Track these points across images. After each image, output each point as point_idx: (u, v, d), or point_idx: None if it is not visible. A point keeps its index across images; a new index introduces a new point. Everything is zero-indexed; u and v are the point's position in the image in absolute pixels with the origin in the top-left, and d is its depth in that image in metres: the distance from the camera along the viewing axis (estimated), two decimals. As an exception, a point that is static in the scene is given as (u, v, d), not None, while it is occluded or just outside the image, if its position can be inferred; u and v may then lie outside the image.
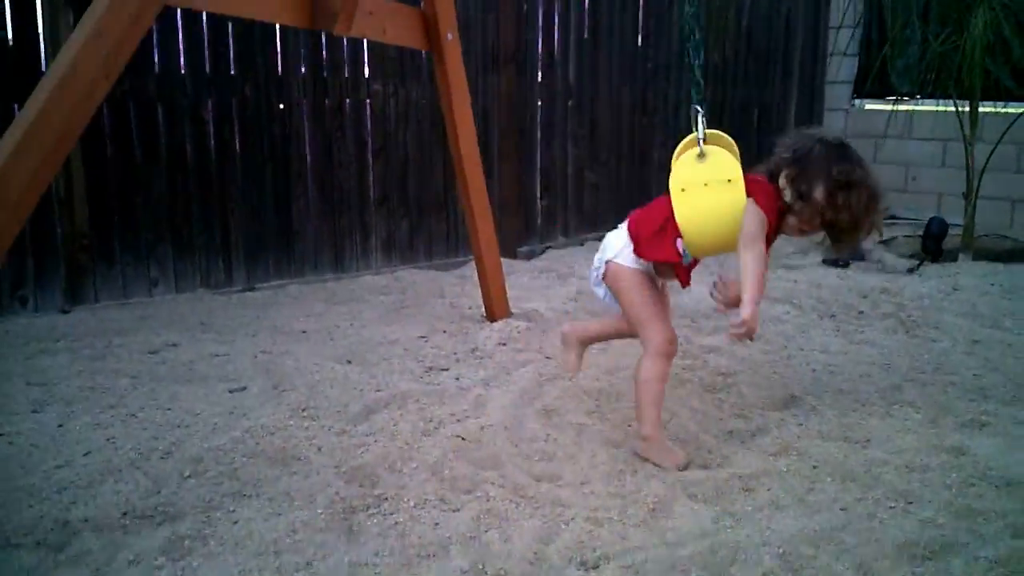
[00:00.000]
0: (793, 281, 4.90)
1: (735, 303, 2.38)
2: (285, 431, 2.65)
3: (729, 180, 2.40)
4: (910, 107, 6.94)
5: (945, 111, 6.30)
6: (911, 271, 5.13)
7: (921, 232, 5.51)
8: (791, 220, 2.45)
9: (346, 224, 5.00)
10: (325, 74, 4.81)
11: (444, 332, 3.86)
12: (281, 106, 4.72)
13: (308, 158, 4.84)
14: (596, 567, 1.93)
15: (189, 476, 2.32)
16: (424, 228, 5.33)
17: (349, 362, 3.40)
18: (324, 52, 4.78)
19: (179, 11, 4.20)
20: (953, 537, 2.07)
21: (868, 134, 7.38)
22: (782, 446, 2.60)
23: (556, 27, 5.70)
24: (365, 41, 4.84)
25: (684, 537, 2.06)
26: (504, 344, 3.69)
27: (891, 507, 2.23)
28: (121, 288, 4.35)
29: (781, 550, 2.00)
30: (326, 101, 4.82)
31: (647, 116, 6.36)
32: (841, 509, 2.21)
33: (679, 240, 2.45)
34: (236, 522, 2.08)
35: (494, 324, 3.94)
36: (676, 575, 1.91)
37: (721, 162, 2.42)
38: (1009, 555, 1.96)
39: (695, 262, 2.57)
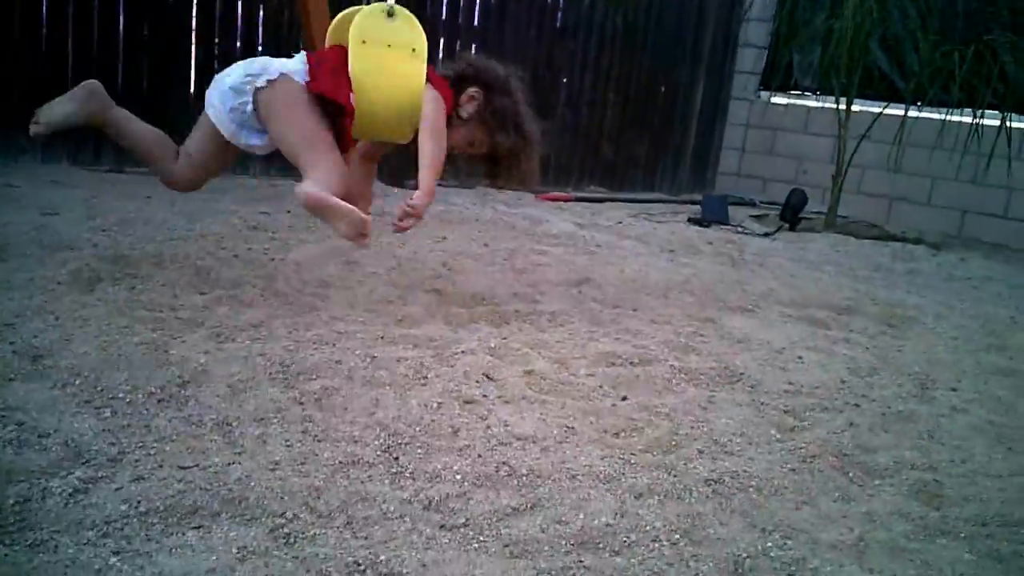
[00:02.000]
0: (652, 228, 5.07)
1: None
2: (71, 235, 2.72)
3: (414, 50, 2.29)
4: (806, 102, 7.22)
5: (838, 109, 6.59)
6: (767, 235, 5.34)
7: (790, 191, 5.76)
8: (460, 132, 2.39)
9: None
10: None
11: (288, 212, 3.95)
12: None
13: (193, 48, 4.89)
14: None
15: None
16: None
17: (177, 216, 3.47)
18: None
19: None
20: (649, 355, 2.21)
21: (768, 126, 7.64)
22: (548, 304, 2.72)
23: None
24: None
25: (414, 334, 2.17)
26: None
27: (616, 338, 2.37)
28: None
29: (498, 344, 2.12)
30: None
31: (552, 72, 6.51)
32: (568, 334, 2.35)
33: (352, 95, 2.24)
34: None
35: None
36: (379, 346, 2.02)
37: (411, 28, 2.31)
38: (690, 370, 2.12)
39: (353, 142, 2.43)
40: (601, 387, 1.94)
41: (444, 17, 5.78)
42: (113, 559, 1.06)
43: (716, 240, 4.82)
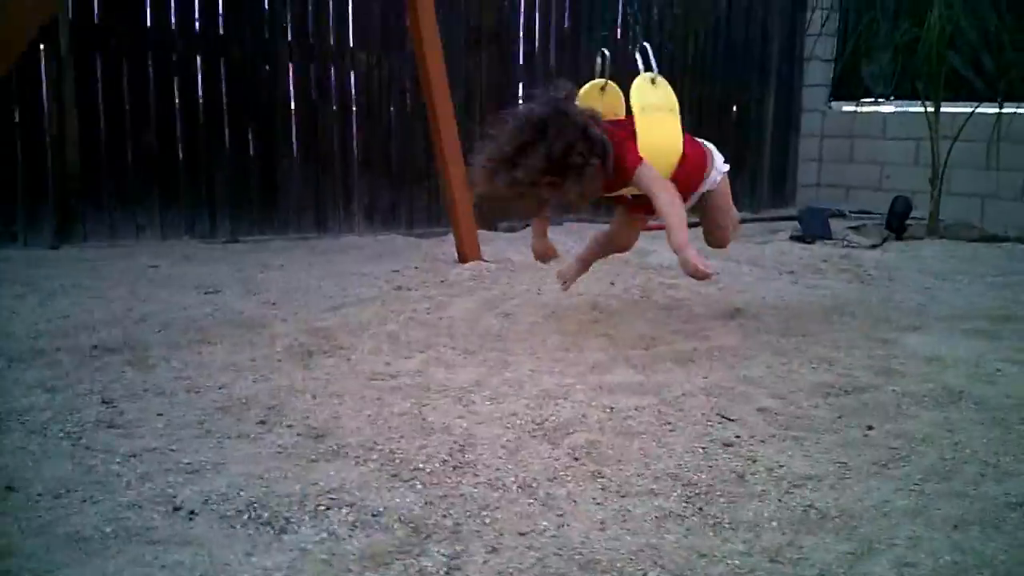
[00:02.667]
0: (760, 250, 5.05)
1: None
2: (252, 312, 2.79)
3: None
4: (883, 108, 7.18)
5: (917, 112, 6.54)
6: (874, 247, 5.29)
7: (894, 198, 5.71)
8: None
9: (329, 187, 5.18)
10: (311, 40, 5.01)
11: (416, 268, 4.01)
12: (267, 67, 4.91)
13: (293, 121, 5.02)
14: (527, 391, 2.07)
15: (159, 331, 2.46)
16: (405, 197, 5.50)
17: (322, 281, 3.55)
18: (309, 20, 4.99)
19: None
20: (865, 382, 2.21)
21: (843, 134, 7.61)
22: (719, 338, 2.73)
23: (537, 13, 5.93)
24: (350, 10, 5.07)
25: (619, 381, 2.19)
26: (474, 279, 3.83)
27: (813, 367, 2.37)
28: (108, 231, 4.50)
29: (702, 385, 2.13)
30: (311, 67, 5.02)
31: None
32: (767, 367, 2.35)
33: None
34: (200, 353, 2.22)
35: (465, 264, 4.10)
36: (603, 395, 2.04)
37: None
38: (913, 394, 2.11)
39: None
40: (840, 418, 1.94)
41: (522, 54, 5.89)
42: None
43: (828, 257, 4.79)
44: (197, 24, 4.63)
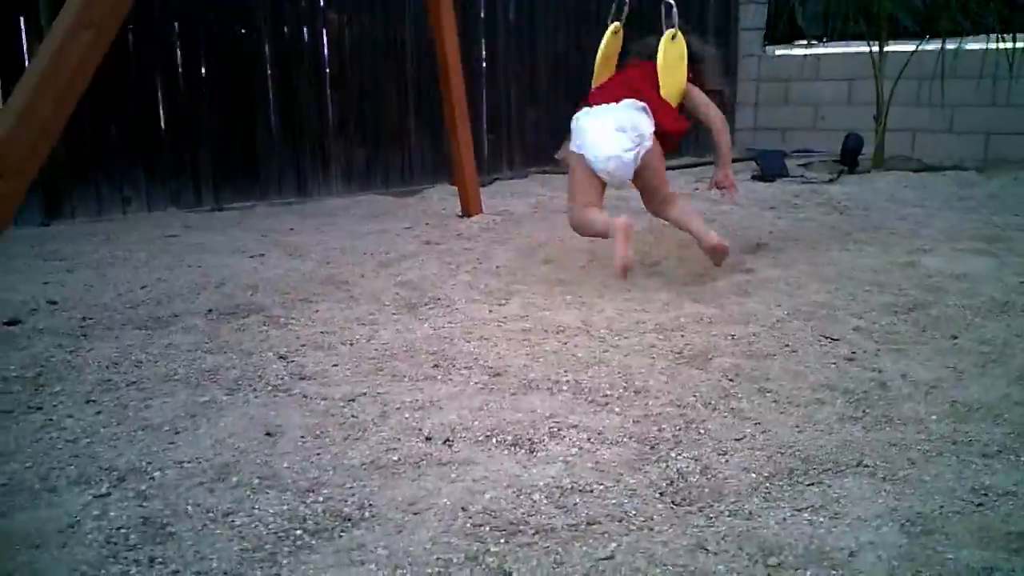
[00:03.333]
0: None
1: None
2: (320, 271, 2.86)
3: (683, 58, 2.95)
4: (817, 50, 7.51)
5: (851, 53, 6.89)
6: (831, 180, 5.63)
7: (836, 156, 6.05)
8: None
9: (307, 151, 5.17)
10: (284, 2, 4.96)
11: (427, 224, 4.10)
12: (243, 31, 4.85)
13: (270, 84, 4.98)
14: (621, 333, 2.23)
15: (252, 293, 2.51)
16: (380, 157, 5.53)
17: (351, 241, 3.61)
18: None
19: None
20: (921, 299, 2.46)
21: (779, 78, 7.93)
22: (762, 270, 2.94)
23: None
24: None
25: (702, 312, 2.38)
26: (486, 231, 3.95)
27: (867, 290, 2.61)
28: (96, 206, 4.42)
29: (785, 312, 2.34)
30: (285, 28, 4.97)
31: (580, 55, 6.70)
32: (827, 292, 2.58)
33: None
34: (316, 311, 2.30)
35: (471, 218, 4.20)
36: (710, 326, 2.22)
37: (683, 43, 2.97)
38: (969, 306, 2.37)
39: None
40: (924, 331, 2.18)
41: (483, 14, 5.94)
42: None
43: (798, 193, 5.09)
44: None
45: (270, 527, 1.18)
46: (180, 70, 4.60)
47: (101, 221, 4.30)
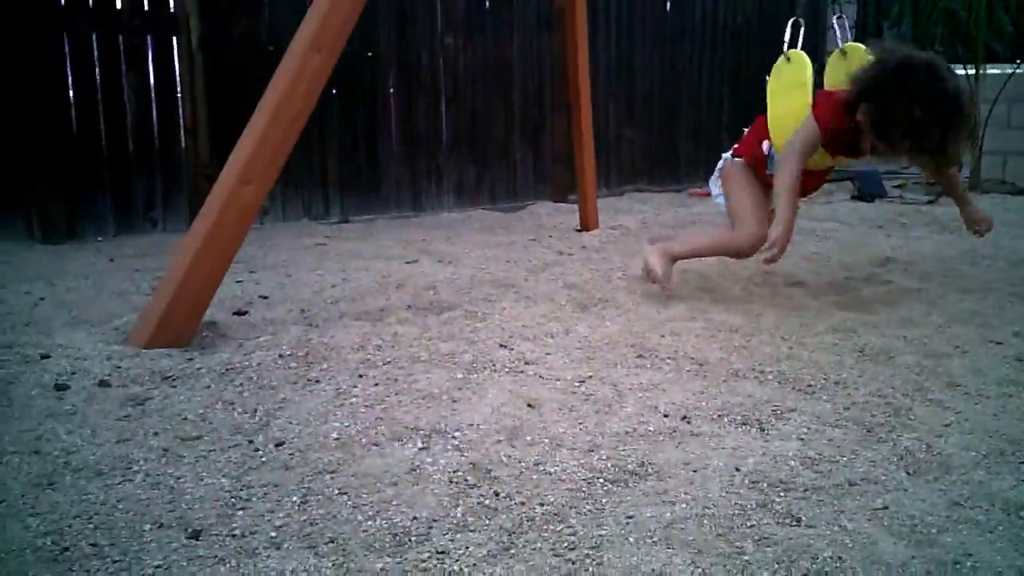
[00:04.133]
0: (831, 210, 5.44)
1: None
2: (482, 275, 3.08)
3: (802, 84, 2.61)
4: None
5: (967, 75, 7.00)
6: (931, 202, 5.72)
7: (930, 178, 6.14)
8: (873, 143, 2.46)
9: (423, 167, 5.44)
10: (406, 27, 5.24)
11: (551, 237, 4.31)
12: (369, 54, 5.13)
13: (391, 104, 5.26)
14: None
15: (435, 293, 2.74)
16: (489, 174, 5.78)
17: (487, 250, 3.83)
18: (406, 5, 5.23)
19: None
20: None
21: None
22: (900, 281, 3.09)
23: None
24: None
25: (847, 319, 2.54)
26: (608, 243, 4.15)
27: (1010, 300, 2.74)
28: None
29: (942, 318, 2.50)
30: (406, 52, 5.25)
31: (676, 76, 6.90)
32: (973, 302, 2.72)
33: (766, 142, 2.67)
34: (503, 308, 2.51)
35: (591, 232, 4.41)
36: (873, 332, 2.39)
37: (799, 65, 2.66)
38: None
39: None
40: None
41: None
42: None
43: (902, 212, 5.20)
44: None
45: (577, 476, 1.38)
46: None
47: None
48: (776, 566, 1.12)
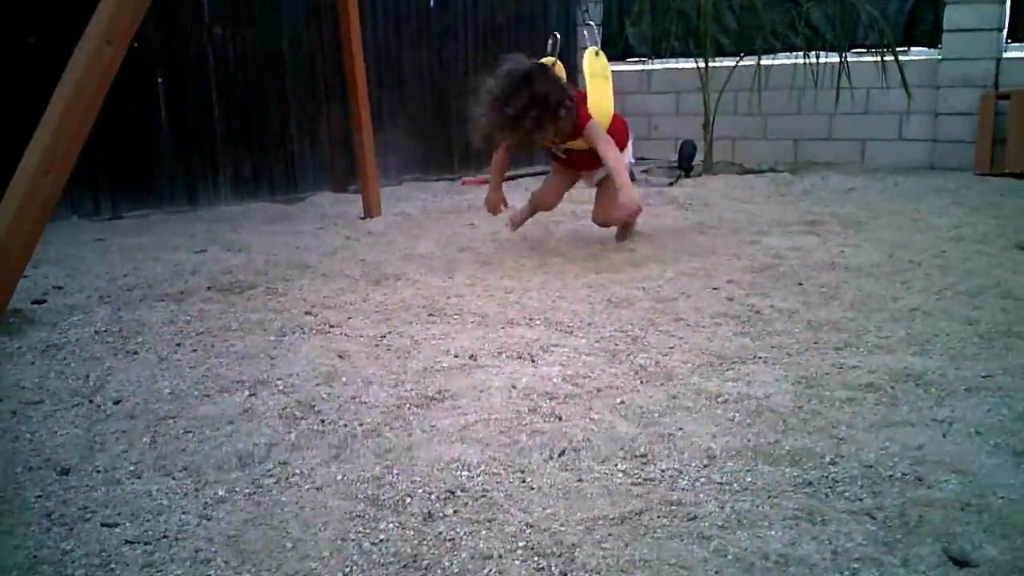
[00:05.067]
0: (587, 195, 6.02)
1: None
2: (275, 259, 3.28)
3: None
4: (647, 66, 8.43)
5: (679, 68, 7.82)
6: (672, 184, 6.47)
7: (674, 163, 6.93)
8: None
9: (197, 160, 5.47)
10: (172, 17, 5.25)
11: (336, 224, 4.55)
12: (136, 44, 5.09)
13: (161, 95, 5.25)
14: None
15: (231, 276, 2.94)
16: (266, 166, 5.89)
17: (272, 237, 4.01)
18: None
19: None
20: (769, 263, 3.19)
21: (615, 91, 8.79)
22: (642, 250, 3.61)
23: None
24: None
25: (599, 279, 3.00)
26: (393, 228, 4.45)
27: (728, 259, 3.32)
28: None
29: (673, 273, 3.01)
30: (172, 42, 5.26)
31: (442, 70, 7.29)
32: (699, 262, 3.27)
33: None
34: (301, 286, 2.76)
35: (375, 219, 4.68)
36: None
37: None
38: (806, 264, 3.12)
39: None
40: (778, 281, 2.90)
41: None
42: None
43: (645, 195, 5.84)
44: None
45: (388, 403, 1.68)
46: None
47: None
48: (543, 449, 1.48)
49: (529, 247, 3.55)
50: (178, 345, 2.03)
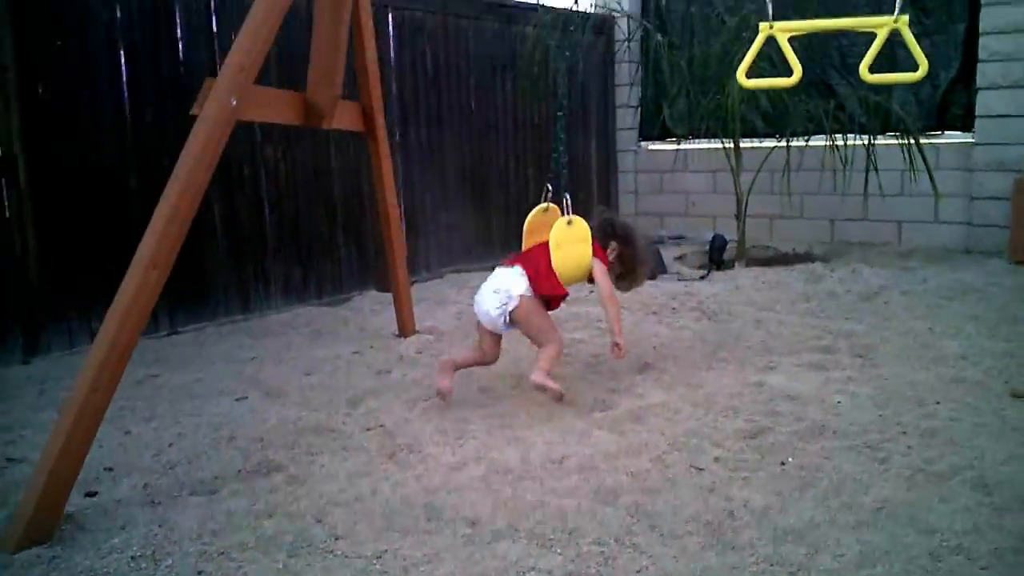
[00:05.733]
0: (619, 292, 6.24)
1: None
2: (306, 418, 3.59)
3: (584, 240, 3.70)
4: (684, 146, 8.63)
5: (714, 148, 8.01)
6: (702, 278, 6.65)
7: (707, 247, 7.10)
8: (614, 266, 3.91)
9: (250, 271, 5.86)
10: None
11: (372, 347, 4.85)
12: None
13: (216, 214, 5.65)
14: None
15: (263, 447, 3.24)
16: (313, 271, 6.27)
17: (309, 374, 4.33)
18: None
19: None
20: (763, 425, 3.38)
21: (653, 169, 9.03)
22: (650, 394, 3.83)
23: (407, 103, 6.83)
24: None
25: (597, 448, 3.23)
26: (421, 352, 4.74)
27: (724, 416, 3.52)
28: (68, 339, 5.00)
29: (668, 442, 3.22)
30: (227, 163, 5.67)
31: (484, 167, 7.61)
32: (696, 420, 3.48)
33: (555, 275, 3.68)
34: (322, 465, 3.04)
35: (408, 339, 4.98)
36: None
37: (581, 227, 3.71)
38: (796, 431, 3.31)
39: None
40: (762, 459, 3.08)
41: (398, 131, 6.77)
42: None
43: (675, 294, 6.06)
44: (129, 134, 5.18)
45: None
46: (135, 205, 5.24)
47: (75, 354, 4.87)
48: None
49: (538, 397, 3.81)
50: (201, 572, 2.34)
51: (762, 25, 3.54)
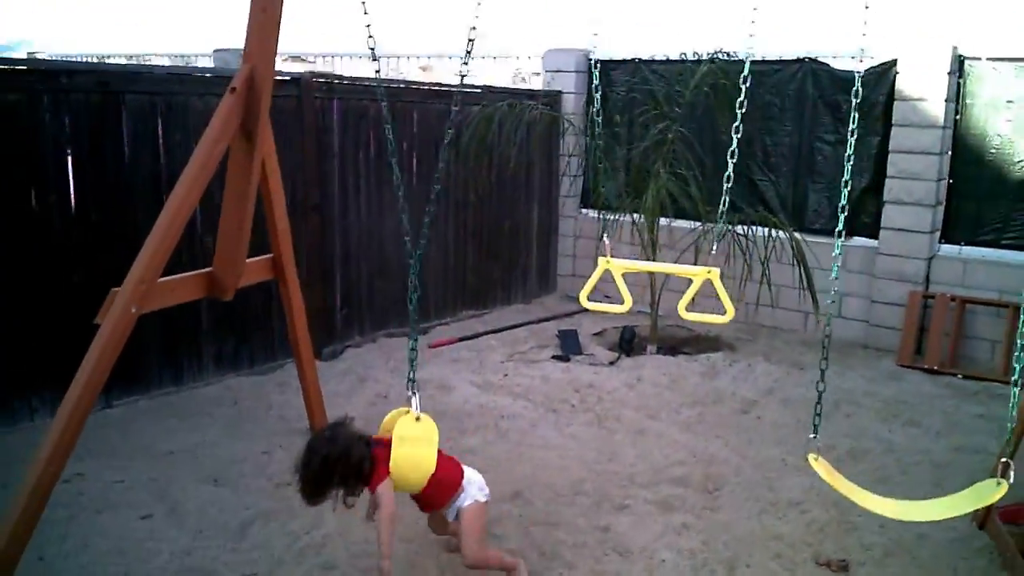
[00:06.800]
0: (530, 377, 6.74)
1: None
2: (194, 554, 4.06)
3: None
4: (615, 218, 9.05)
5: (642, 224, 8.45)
6: (612, 363, 7.15)
7: (623, 328, 7.63)
8: None
9: (184, 347, 6.31)
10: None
11: (280, 447, 5.32)
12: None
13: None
14: None
15: None
16: (246, 342, 6.71)
17: (216, 482, 4.80)
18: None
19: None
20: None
21: (592, 236, 9.47)
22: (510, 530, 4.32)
23: (349, 184, 7.26)
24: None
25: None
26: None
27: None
28: (10, 416, 5.45)
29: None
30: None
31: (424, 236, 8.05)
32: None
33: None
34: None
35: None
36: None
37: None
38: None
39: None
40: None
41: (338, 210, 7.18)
42: None
43: (579, 386, 6.52)
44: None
45: None
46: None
47: (14, 432, 5.32)
48: None
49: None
50: None
51: (600, 260, 4.09)
